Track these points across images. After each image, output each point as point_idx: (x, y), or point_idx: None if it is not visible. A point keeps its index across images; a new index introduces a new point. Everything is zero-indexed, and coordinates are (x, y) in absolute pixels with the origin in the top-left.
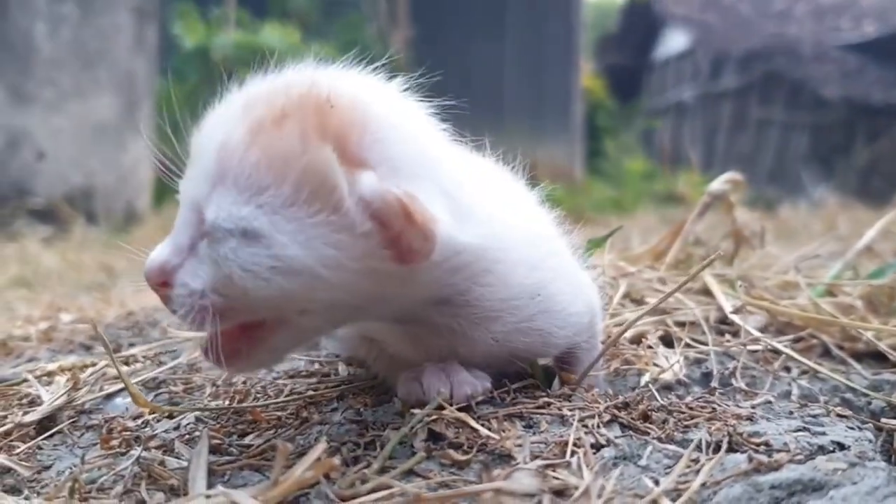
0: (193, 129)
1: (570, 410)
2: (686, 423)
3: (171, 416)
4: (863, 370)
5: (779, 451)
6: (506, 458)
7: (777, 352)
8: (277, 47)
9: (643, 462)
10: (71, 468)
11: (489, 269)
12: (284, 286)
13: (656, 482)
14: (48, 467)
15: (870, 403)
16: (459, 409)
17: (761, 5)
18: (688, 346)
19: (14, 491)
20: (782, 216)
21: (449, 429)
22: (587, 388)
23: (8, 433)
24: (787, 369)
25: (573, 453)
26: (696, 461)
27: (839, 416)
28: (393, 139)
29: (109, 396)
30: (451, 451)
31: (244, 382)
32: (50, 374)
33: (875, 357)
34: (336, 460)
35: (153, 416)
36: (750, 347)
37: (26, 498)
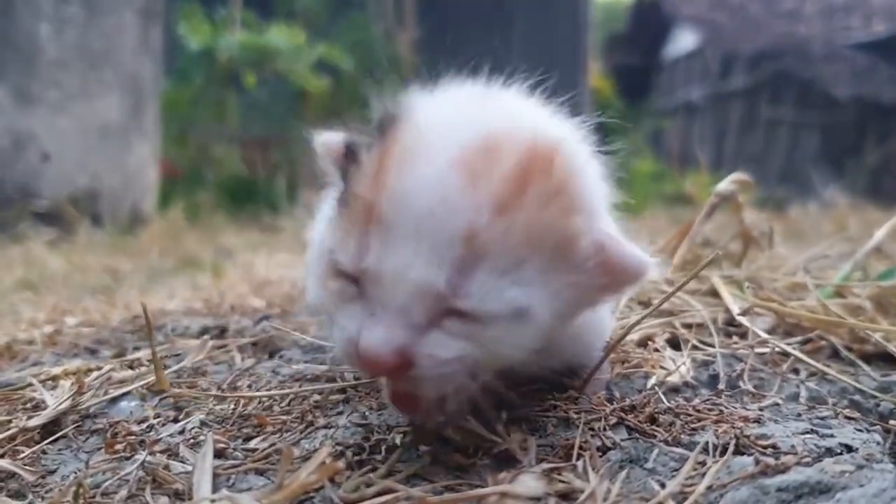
0: (393, 194)
1: (576, 413)
2: (693, 425)
3: (175, 420)
4: (871, 372)
5: (786, 453)
6: (511, 461)
7: (785, 354)
8: (283, 48)
9: (649, 465)
10: (75, 473)
11: None
12: (534, 349)
13: (662, 485)
14: (52, 472)
15: (878, 405)
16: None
17: (771, 5)
18: (695, 348)
19: (18, 496)
20: (792, 216)
21: (455, 432)
22: (591, 394)
23: (12, 437)
24: (796, 371)
25: (579, 456)
26: (702, 464)
27: (847, 418)
28: (590, 184)
29: (114, 400)
30: (457, 455)
31: (249, 387)
32: (54, 377)
33: (884, 359)
34: (341, 464)
35: (157, 419)
36: (758, 349)
37: (30, 503)
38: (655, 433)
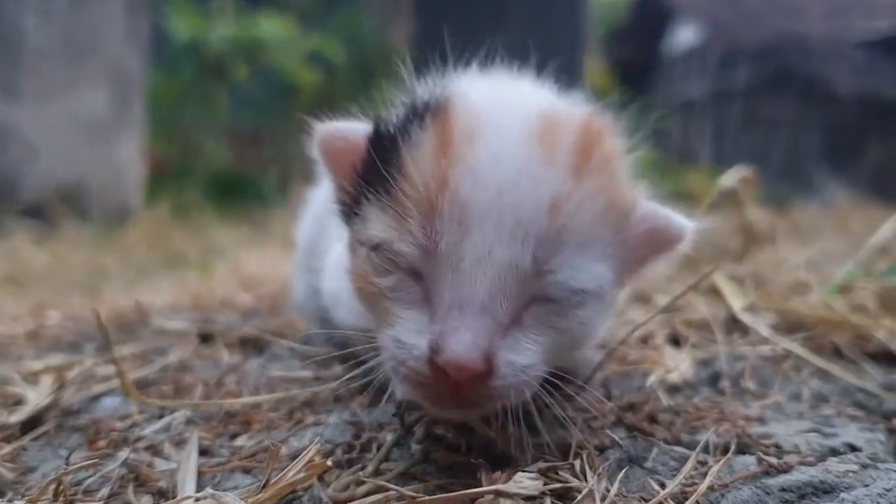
0: (466, 172)
1: (574, 411)
2: (693, 424)
3: (160, 417)
4: (875, 371)
5: (789, 452)
6: (506, 459)
7: (787, 352)
8: (275, 40)
9: (649, 464)
10: (56, 470)
11: None
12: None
13: (662, 485)
14: (33, 469)
15: (882, 404)
16: None
17: (772, 1)
18: (696, 346)
19: None
20: (793, 215)
21: (448, 430)
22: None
23: None
24: (798, 370)
25: (576, 455)
26: (703, 463)
27: (851, 417)
28: (622, 156)
29: (97, 397)
30: (450, 453)
31: (238, 383)
32: (36, 373)
33: (887, 357)
34: (330, 462)
35: (141, 416)
36: (759, 348)
37: (10, 500)
38: (655, 432)
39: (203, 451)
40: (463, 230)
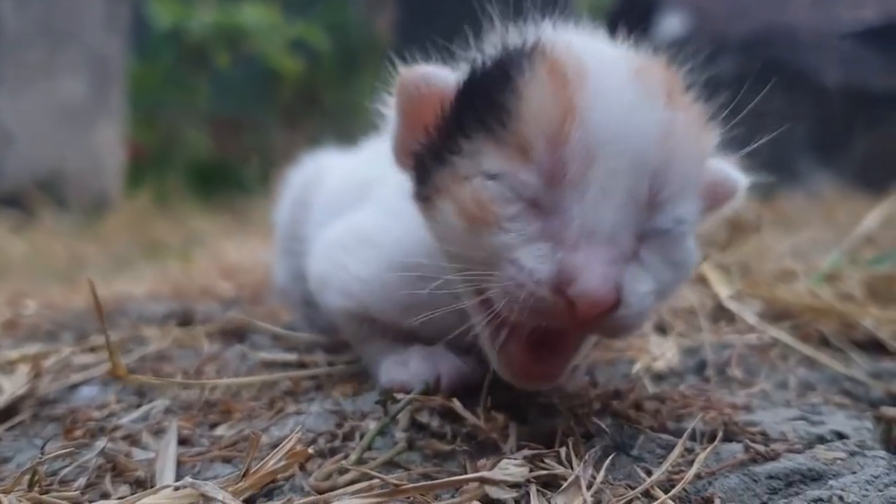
0: (590, 107)
1: (560, 399)
2: (679, 412)
3: (138, 406)
4: (861, 359)
5: (776, 440)
6: (492, 447)
7: (774, 340)
8: (257, 27)
9: (635, 452)
10: (31, 460)
11: None
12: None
13: (649, 472)
14: (8, 459)
15: (869, 392)
16: (445, 398)
17: None
18: (682, 334)
19: None
20: (779, 204)
21: (433, 418)
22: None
23: None
24: (784, 358)
25: (562, 443)
26: (690, 451)
27: (838, 405)
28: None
29: (74, 386)
30: (434, 441)
31: (218, 372)
32: (12, 362)
33: (874, 345)
34: (311, 450)
35: (119, 405)
36: (746, 336)
37: None
38: (641, 420)
39: (182, 441)
40: (589, 159)
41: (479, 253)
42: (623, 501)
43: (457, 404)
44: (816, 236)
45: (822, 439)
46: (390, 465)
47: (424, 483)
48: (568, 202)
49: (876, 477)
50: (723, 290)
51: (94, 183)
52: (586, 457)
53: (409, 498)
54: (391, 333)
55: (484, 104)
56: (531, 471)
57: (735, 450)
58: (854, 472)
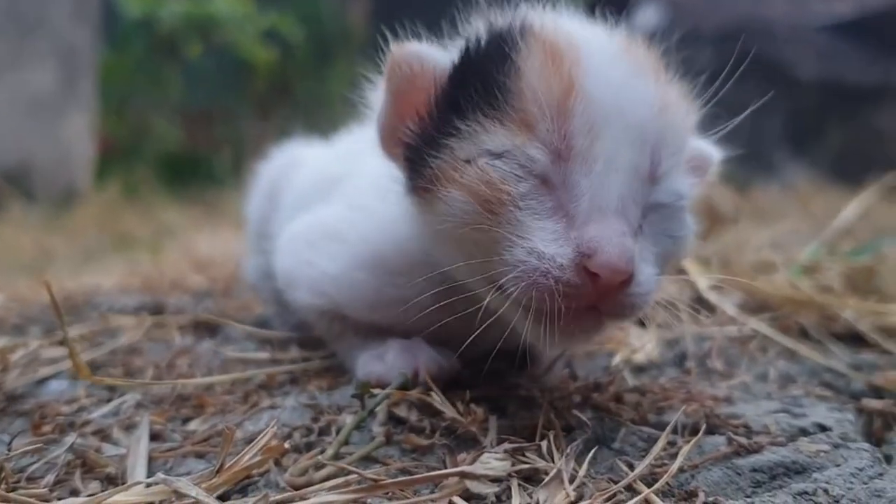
0: (593, 81)
1: (539, 392)
2: (660, 404)
3: (108, 400)
4: (841, 351)
5: (758, 433)
6: (472, 441)
7: (754, 332)
8: (229, 17)
9: (616, 445)
10: None
11: None
12: None
13: (630, 465)
14: None
15: (850, 384)
16: (423, 391)
17: None
18: (661, 325)
19: None
20: (755, 196)
21: (411, 412)
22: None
23: None
24: (764, 350)
25: (543, 436)
26: (672, 444)
27: (819, 397)
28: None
29: (43, 380)
30: (413, 436)
31: (190, 366)
32: None
33: (853, 337)
34: (287, 445)
35: (89, 399)
36: (726, 328)
37: None
38: (621, 412)
39: (154, 436)
40: (594, 132)
41: (490, 238)
42: (606, 496)
43: (435, 397)
44: (794, 228)
45: (804, 432)
46: (368, 459)
47: (404, 478)
48: (576, 177)
49: (860, 469)
50: (702, 281)
51: (63, 175)
52: (568, 450)
53: (387, 493)
54: (364, 329)
55: (482, 83)
56: (512, 465)
57: (718, 443)
58: (838, 465)
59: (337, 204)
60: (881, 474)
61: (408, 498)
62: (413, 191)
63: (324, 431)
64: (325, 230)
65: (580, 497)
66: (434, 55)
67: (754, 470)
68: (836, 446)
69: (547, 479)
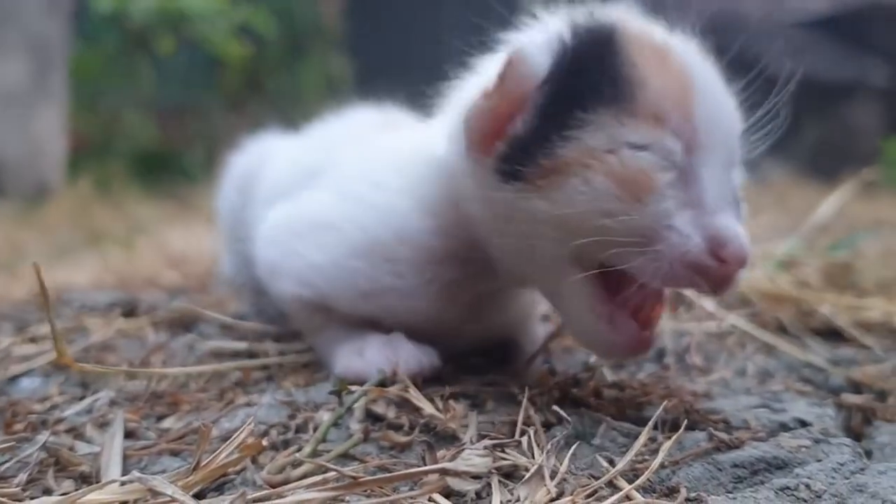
0: (701, 83)
1: (518, 388)
2: (640, 400)
3: (81, 398)
4: (819, 346)
5: (739, 428)
6: (451, 438)
7: (732, 328)
8: (202, 12)
9: (597, 441)
10: None
11: None
12: None
13: (611, 462)
14: None
15: (828, 379)
16: (402, 387)
17: None
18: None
19: None
20: None
21: (389, 408)
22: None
23: None
24: (743, 345)
25: (523, 432)
26: (653, 440)
27: (799, 392)
28: None
29: (14, 378)
30: (391, 433)
31: (164, 362)
32: None
33: (831, 333)
34: (265, 443)
35: (62, 397)
36: (704, 323)
37: None
38: (601, 408)
39: (128, 434)
40: (713, 126)
41: (628, 224)
42: (587, 492)
43: (414, 394)
44: (770, 223)
45: (784, 427)
46: (346, 457)
47: (383, 475)
48: (701, 168)
49: (842, 464)
50: None
51: (35, 170)
52: (548, 446)
53: (366, 491)
54: (347, 322)
55: (601, 77)
56: (493, 461)
57: (698, 438)
58: (819, 460)
59: (326, 193)
60: (862, 469)
61: (387, 495)
62: (515, 178)
63: (301, 429)
64: (313, 219)
65: (561, 493)
66: (538, 53)
67: (735, 465)
68: (817, 441)
69: (528, 475)
